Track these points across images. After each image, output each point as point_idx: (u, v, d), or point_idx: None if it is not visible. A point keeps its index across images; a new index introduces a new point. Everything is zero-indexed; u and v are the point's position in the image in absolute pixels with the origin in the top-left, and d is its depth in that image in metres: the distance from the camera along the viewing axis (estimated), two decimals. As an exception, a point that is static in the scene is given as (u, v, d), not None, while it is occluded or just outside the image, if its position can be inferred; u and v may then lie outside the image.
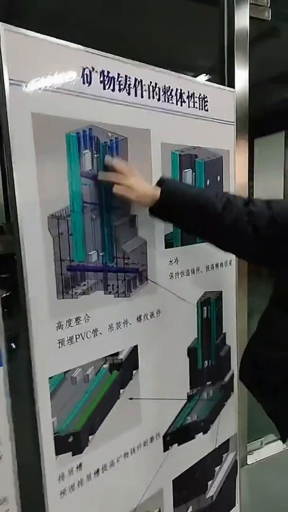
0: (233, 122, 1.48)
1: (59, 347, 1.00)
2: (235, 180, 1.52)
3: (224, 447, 1.62)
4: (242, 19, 1.61)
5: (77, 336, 1.04)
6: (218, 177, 1.44)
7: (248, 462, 1.93)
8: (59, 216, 0.97)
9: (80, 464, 1.08)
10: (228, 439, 1.64)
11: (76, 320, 1.03)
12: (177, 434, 1.39)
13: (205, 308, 1.44)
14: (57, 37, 0.94)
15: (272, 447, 2.05)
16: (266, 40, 2.16)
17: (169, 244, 1.27)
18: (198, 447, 1.49)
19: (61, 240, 0.98)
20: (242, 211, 0.96)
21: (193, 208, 1.01)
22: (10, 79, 0.87)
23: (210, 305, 1.46)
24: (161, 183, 1.07)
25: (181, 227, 1.16)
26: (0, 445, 0.93)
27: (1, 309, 0.90)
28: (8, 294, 1.28)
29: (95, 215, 1.05)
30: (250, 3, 1.63)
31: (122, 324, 1.15)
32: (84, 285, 1.04)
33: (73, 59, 0.97)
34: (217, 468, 1.60)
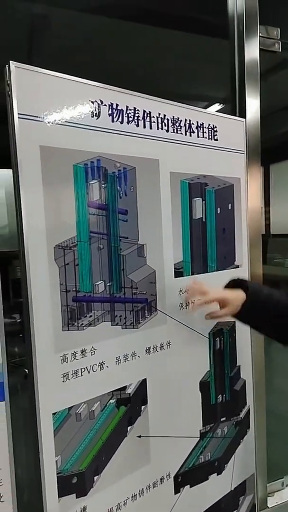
0: (243, 151, 1.47)
1: (63, 381, 0.97)
2: (247, 207, 1.50)
3: (240, 489, 1.52)
4: (252, 51, 1.64)
5: (83, 370, 1.00)
6: (229, 205, 1.42)
7: (269, 505, 1.80)
8: (66, 246, 0.97)
9: (85, 508, 1.02)
10: (245, 480, 1.54)
11: (81, 352, 1.00)
12: (189, 475, 1.31)
13: (217, 339, 1.39)
14: (65, 73, 0.97)
15: (294, 488, 1.91)
16: (277, 70, 2.19)
17: (179, 273, 1.24)
18: (212, 489, 1.40)
19: (67, 270, 0.97)
20: None
21: (276, 312, 1.04)
22: (19, 114, 0.89)
23: (223, 336, 1.41)
24: (244, 287, 1.07)
25: (259, 326, 1.17)
26: (1, 485, 0.89)
27: (4, 342, 0.88)
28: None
29: (102, 244, 1.04)
30: (259, 36, 1.66)
31: (130, 357, 1.11)
32: (91, 316, 1.02)
33: (82, 93, 1.00)
34: (233, 513, 1.50)
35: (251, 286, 1.07)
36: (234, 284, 1.11)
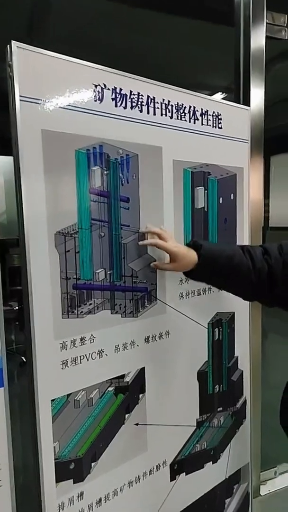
0: (247, 140, 1.45)
1: (62, 368, 0.96)
2: (249, 198, 1.49)
3: (235, 478, 1.54)
4: (258, 38, 1.60)
5: (82, 357, 1.00)
6: (232, 195, 1.41)
7: (261, 493, 1.83)
8: (66, 233, 0.95)
9: (82, 493, 1.03)
10: (240, 469, 1.56)
11: (81, 340, 1.00)
12: (185, 463, 1.32)
13: (216, 329, 1.39)
14: (69, 55, 0.94)
15: (287, 477, 1.94)
16: (283, 59, 2.15)
17: (179, 263, 1.23)
18: (207, 477, 1.41)
19: (67, 258, 0.96)
20: (263, 263, 1.04)
21: (228, 270, 1.06)
22: (20, 96, 0.87)
23: (221, 327, 1.41)
24: (197, 247, 1.08)
25: (212, 284, 1.20)
26: (-2, 470, 0.89)
27: (3, 328, 0.87)
28: (21, 307, 1.26)
29: (104, 232, 1.03)
30: (266, 23, 1.63)
31: (129, 345, 1.11)
32: (90, 304, 1.01)
33: (85, 76, 0.97)
34: (227, 500, 1.52)
35: (203, 248, 1.07)
36: (192, 245, 1.10)
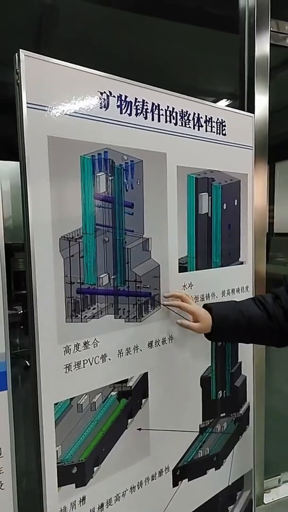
0: (252, 147, 1.46)
1: (65, 372, 0.97)
2: (253, 204, 1.49)
3: (238, 485, 1.53)
4: (263, 46, 1.62)
5: (85, 361, 1.01)
6: (236, 201, 1.42)
7: (265, 501, 1.81)
8: (71, 238, 0.96)
9: (84, 498, 1.03)
10: (243, 476, 1.55)
11: (84, 344, 1.00)
12: (188, 469, 1.31)
13: (220, 335, 1.38)
14: (75, 63, 0.96)
15: (291, 485, 1.92)
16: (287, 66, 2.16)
17: (183, 268, 1.24)
18: (210, 484, 1.41)
19: (72, 262, 0.97)
20: (275, 308, 1.07)
21: (243, 324, 1.09)
22: (28, 103, 0.88)
23: (225, 333, 1.41)
24: (209, 310, 1.12)
25: (237, 341, 1.29)
26: (1, 473, 0.90)
27: (8, 332, 0.88)
28: (27, 310, 1.27)
29: (108, 237, 1.04)
30: (271, 31, 1.64)
31: (132, 350, 1.12)
32: (94, 308, 1.02)
33: (91, 84, 0.99)
34: (230, 507, 1.50)
35: (215, 311, 1.11)
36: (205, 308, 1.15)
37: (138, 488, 1.17)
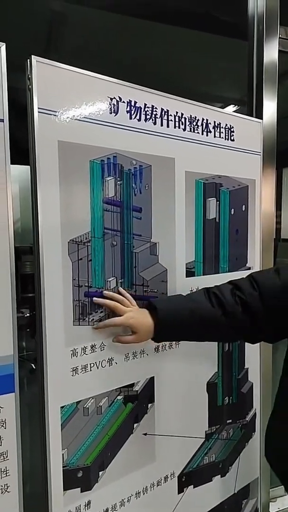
0: (260, 152, 1.46)
1: (72, 375, 0.97)
2: (261, 209, 1.49)
3: (243, 493, 1.51)
4: (271, 53, 1.63)
5: (92, 365, 1.01)
6: (243, 207, 1.42)
7: (271, 510, 1.79)
8: (80, 242, 0.97)
9: (89, 502, 1.03)
10: (249, 484, 1.53)
11: (91, 348, 1.01)
12: (193, 475, 1.30)
13: (226, 341, 1.38)
14: (86, 69, 0.97)
15: (297, 495, 1.90)
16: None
17: (190, 272, 1.24)
18: (216, 491, 1.39)
19: (80, 266, 0.97)
20: (233, 303, 0.94)
21: (194, 325, 0.97)
22: (39, 108, 0.89)
23: (232, 338, 1.40)
24: (152, 310, 0.99)
25: (188, 340, 1.08)
26: (7, 476, 0.90)
27: (16, 334, 0.89)
28: (33, 313, 1.27)
29: (116, 241, 1.05)
30: (279, 38, 1.65)
31: (138, 354, 1.12)
32: (101, 312, 1.02)
33: (101, 89, 1.00)
34: (235, 516, 1.49)
35: (158, 312, 0.97)
36: (148, 308, 1.01)
37: (143, 493, 1.16)
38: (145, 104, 1.09)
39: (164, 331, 0.99)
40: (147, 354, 1.14)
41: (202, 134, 1.24)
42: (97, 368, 1.02)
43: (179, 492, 1.27)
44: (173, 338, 1.11)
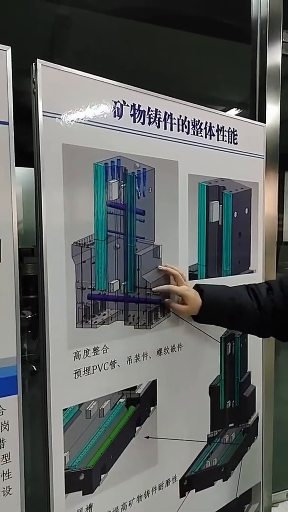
0: (263, 156, 1.47)
1: (75, 378, 0.97)
2: (264, 212, 1.49)
3: (246, 497, 1.50)
4: (274, 56, 1.63)
5: (94, 367, 1.01)
6: (246, 210, 1.42)
7: (273, 516, 1.78)
8: (83, 244, 0.97)
9: (91, 505, 1.02)
10: (251, 489, 1.53)
11: (94, 350, 1.01)
12: (195, 479, 1.30)
13: (229, 344, 1.38)
14: (90, 73, 0.98)
15: (299, 500, 1.89)
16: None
17: (193, 275, 1.24)
18: (218, 495, 1.39)
19: (83, 268, 0.97)
20: (268, 300, 1.06)
21: (232, 311, 1.08)
22: (43, 111, 0.90)
23: (234, 341, 1.40)
24: (200, 291, 1.11)
25: (221, 325, 1.21)
26: (9, 478, 0.89)
27: (20, 336, 0.89)
28: (34, 315, 1.27)
29: (119, 244, 1.05)
30: (282, 42, 1.65)
31: (141, 357, 1.12)
32: (104, 314, 1.02)
33: (105, 93, 1.00)
34: (237, 520, 1.48)
35: (205, 292, 1.10)
36: (196, 289, 1.13)
37: (145, 497, 1.16)
38: (149, 108, 1.09)
39: (207, 312, 1.09)
40: (150, 357, 1.14)
41: (206, 137, 1.25)
42: (100, 370, 1.02)
43: (181, 496, 1.26)
44: (211, 320, 1.15)
